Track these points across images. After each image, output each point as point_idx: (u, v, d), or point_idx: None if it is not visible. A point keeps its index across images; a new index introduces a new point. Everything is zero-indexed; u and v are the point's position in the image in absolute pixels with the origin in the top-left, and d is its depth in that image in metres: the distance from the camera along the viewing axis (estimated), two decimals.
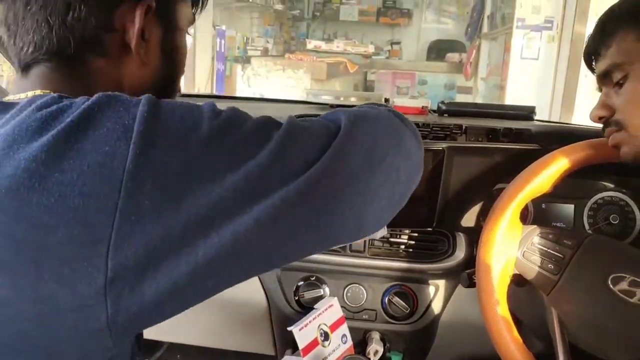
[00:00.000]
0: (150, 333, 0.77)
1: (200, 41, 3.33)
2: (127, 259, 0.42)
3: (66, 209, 0.41)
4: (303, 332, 0.98)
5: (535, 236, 0.86)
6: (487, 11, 4.75)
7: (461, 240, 1.08)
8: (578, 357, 0.82)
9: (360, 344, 1.11)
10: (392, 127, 0.61)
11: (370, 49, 5.20)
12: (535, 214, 1.08)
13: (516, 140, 1.02)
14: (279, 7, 5.61)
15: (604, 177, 1.06)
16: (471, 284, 0.94)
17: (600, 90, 0.83)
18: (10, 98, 0.53)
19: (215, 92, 3.60)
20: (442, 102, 1.21)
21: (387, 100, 1.26)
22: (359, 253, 1.09)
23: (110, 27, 0.55)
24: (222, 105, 0.52)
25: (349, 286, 1.12)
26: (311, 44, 4.96)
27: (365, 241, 1.08)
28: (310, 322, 1.00)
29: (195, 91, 3.28)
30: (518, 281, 0.87)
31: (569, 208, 1.08)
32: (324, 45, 4.90)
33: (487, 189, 1.03)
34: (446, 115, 1.19)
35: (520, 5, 3.47)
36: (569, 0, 3.32)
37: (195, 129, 0.46)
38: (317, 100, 1.64)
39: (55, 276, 0.41)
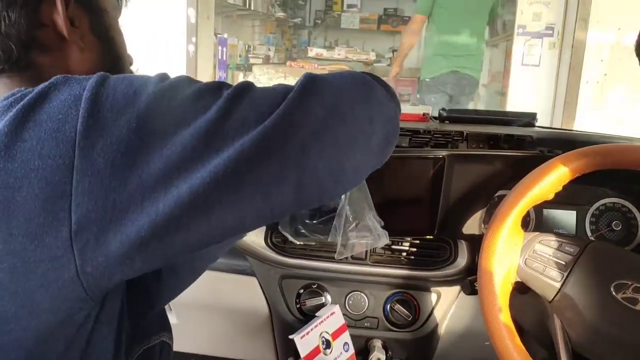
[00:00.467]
0: None
1: (202, 49, 3.34)
2: (89, 211, 0.45)
3: (28, 171, 0.45)
4: (305, 340, 0.97)
5: (537, 243, 0.86)
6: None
7: (463, 247, 1.07)
8: None
9: (362, 352, 1.10)
10: (358, 81, 0.60)
11: (372, 56, 5.21)
12: (537, 220, 1.08)
13: (518, 146, 1.02)
14: (280, 15, 5.64)
15: (606, 183, 1.06)
16: (473, 291, 0.94)
17: None
18: None
19: None
20: (443, 109, 1.21)
21: None
22: (360, 260, 1.08)
23: (41, 24, 0.59)
24: None
25: (350, 294, 1.12)
26: (312, 51, 4.97)
27: (367, 249, 1.08)
28: (311, 330, 1.00)
29: None
30: (520, 288, 0.87)
31: (570, 215, 1.08)
32: (325, 53, 4.91)
33: (488, 196, 1.03)
34: (447, 122, 1.19)
35: (521, 12, 3.48)
36: (570, 7, 3.33)
37: (141, 90, 0.49)
38: None
39: (24, 231, 0.45)
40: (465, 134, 1.03)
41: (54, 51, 0.61)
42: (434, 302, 1.11)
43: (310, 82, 0.54)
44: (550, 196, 0.86)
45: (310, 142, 0.51)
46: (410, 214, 1.04)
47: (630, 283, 0.78)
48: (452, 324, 1.12)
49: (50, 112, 0.47)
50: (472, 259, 1.05)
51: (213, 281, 1.11)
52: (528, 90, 3.53)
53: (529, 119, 1.19)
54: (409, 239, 1.09)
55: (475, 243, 1.00)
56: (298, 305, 1.12)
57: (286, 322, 1.12)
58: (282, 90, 0.53)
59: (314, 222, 0.93)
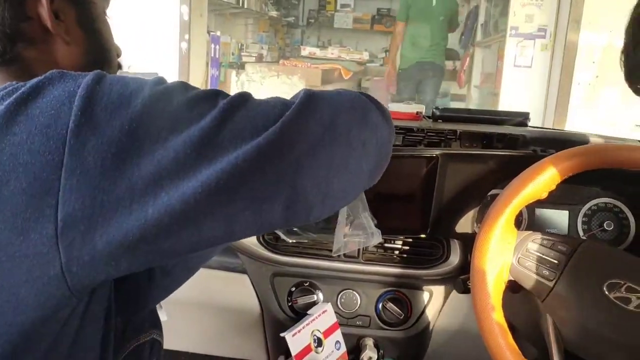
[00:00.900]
0: None
1: (195, 46, 3.33)
2: (76, 210, 0.45)
3: (16, 165, 0.45)
4: (296, 338, 0.97)
5: (529, 242, 0.86)
6: (481, 19, 4.79)
7: (455, 246, 1.07)
8: None
9: (354, 350, 1.10)
10: (356, 102, 0.60)
11: (365, 56, 5.22)
12: (530, 220, 1.08)
13: (510, 145, 1.02)
14: (273, 13, 5.63)
15: (598, 183, 1.06)
16: (466, 289, 0.94)
17: None
18: None
19: None
20: (437, 108, 1.21)
21: None
22: (353, 258, 1.08)
23: (26, 17, 0.59)
24: None
25: (342, 292, 1.11)
26: (305, 50, 4.97)
27: (360, 247, 1.07)
28: (303, 328, 0.99)
29: None
30: (513, 287, 0.87)
31: (563, 214, 1.08)
32: (318, 52, 4.91)
33: (481, 195, 1.03)
34: (440, 120, 1.19)
35: (513, 13, 3.49)
36: (562, 8, 3.35)
37: (137, 93, 0.48)
38: None
39: (10, 225, 0.45)
40: (458, 132, 1.03)
41: (39, 44, 0.61)
42: (426, 301, 1.11)
43: (308, 99, 0.54)
44: (544, 195, 0.86)
45: (305, 161, 0.51)
46: (403, 212, 1.04)
47: (622, 282, 0.78)
48: (444, 322, 1.12)
49: (43, 107, 0.46)
50: (464, 258, 1.05)
51: (204, 279, 1.10)
52: (520, 90, 3.56)
53: (521, 119, 1.19)
54: (401, 237, 1.09)
55: (468, 242, 1.00)
56: (290, 303, 1.11)
57: (277, 320, 1.11)
58: (279, 105, 0.53)
59: None
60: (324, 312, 1.04)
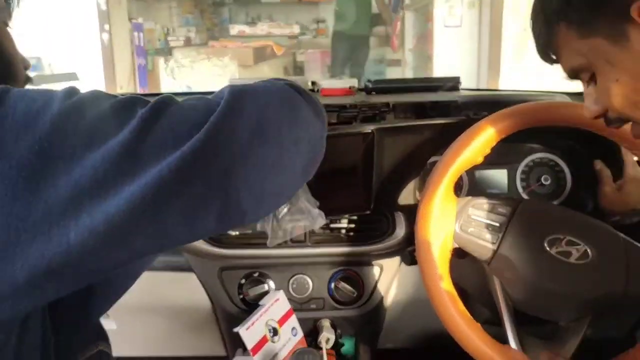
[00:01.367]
0: None
1: (117, 36, 3.19)
2: None
3: None
4: (250, 331, 0.95)
5: (470, 207, 0.86)
6: None
7: (400, 218, 1.07)
8: (524, 321, 0.83)
9: (311, 333, 1.09)
10: (285, 99, 0.58)
11: (296, 29, 5.17)
12: (471, 183, 1.08)
13: (444, 112, 1.01)
14: None
15: (533, 139, 1.08)
16: (413, 261, 0.94)
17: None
18: None
19: (138, 88, 3.47)
20: (369, 81, 1.20)
21: (314, 83, 1.23)
22: (300, 243, 1.06)
23: None
24: None
25: (293, 277, 1.10)
26: (235, 29, 4.87)
27: (305, 231, 1.05)
28: (257, 320, 0.97)
29: (118, 90, 3.15)
30: (459, 253, 0.87)
31: (502, 173, 1.09)
32: (247, 30, 4.82)
33: (420, 165, 1.03)
34: (374, 93, 1.17)
35: None
36: None
37: (44, 110, 0.45)
38: None
39: None
40: (391, 104, 1.02)
41: None
42: (377, 276, 1.11)
43: (233, 99, 0.51)
44: (480, 160, 0.86)
45: (234, 167, 0.49)
46: (345, 191, 1.02)
47: (562, 237, 0.80)
48: (397, 295, 1.13)
49: None
50: (410, 229, 1.05)
51: (150, 281, 1.05)
52: (453, 51, 3.59)
53: (453, 83, 1.19)
54: (346, 216, 1.07)
55: (412, 213, 1.00)
56: (241, 296, 1.09)
57: (230, 314, 1.09)
58: (203, 109, 0.49)
59: None
60: (276, 300, 1.02)
